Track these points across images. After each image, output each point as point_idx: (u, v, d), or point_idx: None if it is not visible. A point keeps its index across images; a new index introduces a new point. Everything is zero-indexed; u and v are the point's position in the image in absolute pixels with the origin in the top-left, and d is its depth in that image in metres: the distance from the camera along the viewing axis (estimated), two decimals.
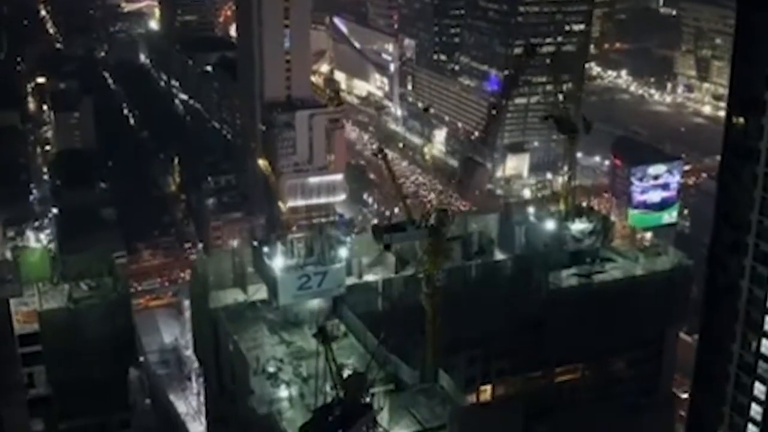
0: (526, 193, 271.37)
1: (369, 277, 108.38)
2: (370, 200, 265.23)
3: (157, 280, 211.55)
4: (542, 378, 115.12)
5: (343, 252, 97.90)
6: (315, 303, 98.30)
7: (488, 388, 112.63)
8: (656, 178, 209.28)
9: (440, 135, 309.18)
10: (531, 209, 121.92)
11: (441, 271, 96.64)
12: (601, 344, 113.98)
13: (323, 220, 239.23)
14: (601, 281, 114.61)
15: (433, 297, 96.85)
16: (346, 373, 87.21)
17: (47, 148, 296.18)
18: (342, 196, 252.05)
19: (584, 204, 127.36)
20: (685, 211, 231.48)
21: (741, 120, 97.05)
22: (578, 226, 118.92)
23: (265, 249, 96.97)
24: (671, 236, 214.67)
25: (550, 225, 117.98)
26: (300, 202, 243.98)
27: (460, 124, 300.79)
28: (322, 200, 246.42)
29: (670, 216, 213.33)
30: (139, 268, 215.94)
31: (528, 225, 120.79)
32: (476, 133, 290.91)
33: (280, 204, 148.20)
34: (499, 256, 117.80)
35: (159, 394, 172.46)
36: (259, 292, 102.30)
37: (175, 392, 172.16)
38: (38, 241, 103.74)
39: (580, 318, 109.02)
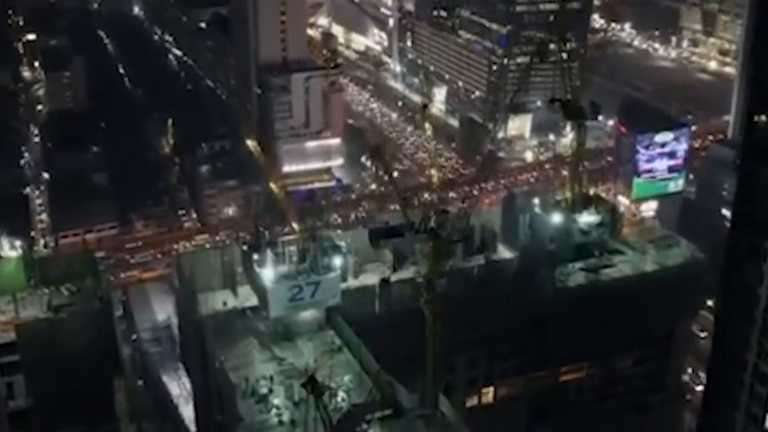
0: (529, 156, 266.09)
1: (366, 276, 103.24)
2: (369, 163, 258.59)
3: (150, 252, 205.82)
4: (546, 378, 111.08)
5: (337, 260, 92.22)
6: (308, 313, 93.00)
7: (490, 389, 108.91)
8: (663, 146, 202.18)
9: (440, 93, 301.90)
10: (536, 200, 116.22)
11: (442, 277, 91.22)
12: (607, 343, 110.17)
13: (319, 185, 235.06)
14: (609, 279, 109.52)
15: (434, 303, 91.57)
16: (340, 395, 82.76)
17: (39, 107, 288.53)
18: (339, 161, 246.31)
19: (591, 192, 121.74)
20: (690, 176, 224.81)
21: (762, 118, 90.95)
22: (586, 218, 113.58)
23: (255, 256, 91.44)
24: (677, 204, 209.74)
25: (556, 218, 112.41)
26: (296, 167, 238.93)
27: (460, 83, 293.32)
28: (319, 165, 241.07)
29: (676, 185, 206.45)
30: (132, 239, 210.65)
31: (532, 215, 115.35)
32: (476, 93, 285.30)
33: (272, 185, 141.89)
34: (503, 250, 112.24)
35: (151, 375, 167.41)
36: (250, 295, 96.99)
37: (168, 373, 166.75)
38: (13, 248, 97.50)
39: (587, 317, 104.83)
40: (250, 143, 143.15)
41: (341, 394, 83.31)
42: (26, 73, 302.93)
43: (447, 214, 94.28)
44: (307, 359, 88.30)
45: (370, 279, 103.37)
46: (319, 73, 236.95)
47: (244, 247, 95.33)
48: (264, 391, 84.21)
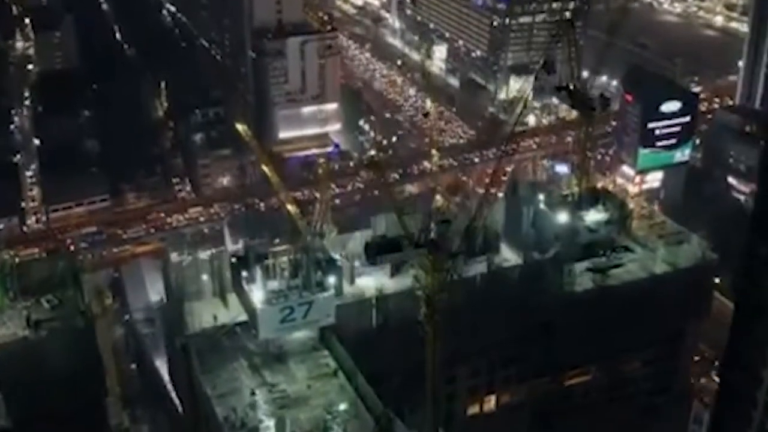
0: (531, 119, 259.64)
1: (363, 281, 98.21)
2: (367, 127, 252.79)
3: (142, 227, 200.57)
4: (551, 383, 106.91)
5: (331, 279, 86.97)
6: (301, 332, 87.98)
7: (492, 397, 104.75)
8: (670, 115, 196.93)
9: (440, 51, 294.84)
10: (541, 196, 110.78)
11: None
12: (614, 346, 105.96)
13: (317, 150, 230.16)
14: (618, 283, 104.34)
15: (434, 318, 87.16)
16: (335, 428, 78.29)
17: (29, 67, 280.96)
18: (337, 126, 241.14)
19: (599, 185, 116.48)
20: (697, 141, 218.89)
21: None
22: (593, 216, 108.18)
23: (244, 273, 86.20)
24: (682, 174, 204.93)
25: (562, 216, 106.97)
26: (293, 133, 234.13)
27: (461, 42, 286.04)
28: (316, 131, 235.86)
29: (682, 154, 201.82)
30: (124, 212, 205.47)
31: (537, 212, 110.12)
32: (477, 52, 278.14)
33: (265, 168, 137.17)
34: (505, 249, 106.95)
35: (144, 358, 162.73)
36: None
37: (162, 356, 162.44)
38: None
39: (594, 321, 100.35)
40: (240, 127, 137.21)
41: (336, 428, 78.76)
42: (17, 34, 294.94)
43: (449, 223, 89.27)
44: (299, 385, 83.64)
45: (367, 284, 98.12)
46: (315, 37, 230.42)
47: (233, 260, 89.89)
48: (254, 423, 79.39)
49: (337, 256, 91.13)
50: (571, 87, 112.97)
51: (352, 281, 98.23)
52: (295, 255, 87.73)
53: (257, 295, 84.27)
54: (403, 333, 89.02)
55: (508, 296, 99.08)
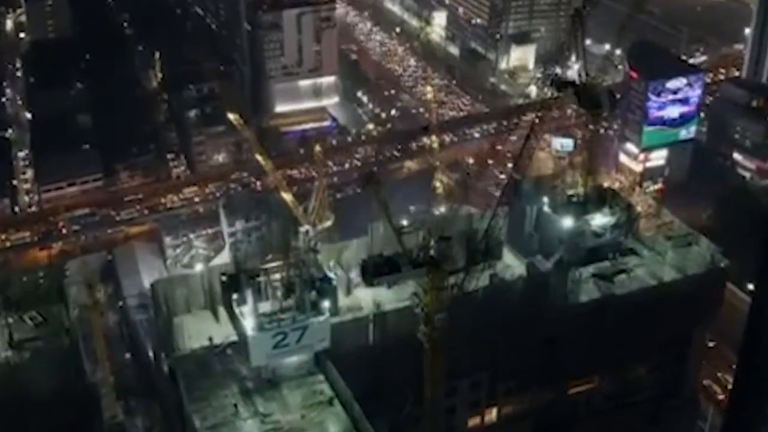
0: (533, 90, 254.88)
1: (360, 293, 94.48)
2: (366, 99, 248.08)
3: (136, 208, 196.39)
4: (554, 393, 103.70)
5: (326, 302, 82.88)
6: (295, 357, 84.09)
7: (494, 409, 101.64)
8: (675, 92, 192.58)
9: (440, 18, 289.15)
10: (545, 198, 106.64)
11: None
12: (620, 354, 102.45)
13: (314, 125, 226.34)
14: (623, 293, 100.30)
15: (433, 335, 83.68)
16: None
17: (21, 35, 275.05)
18: (334, 99, 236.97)
19: (605, 184, 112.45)
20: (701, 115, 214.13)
21: None
22: (599, 220, 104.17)
23: (234, 296, 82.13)
24: (687, 152, 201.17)
25: (567, 221, 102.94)
26: (290, 107, 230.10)
27: (461, 9, 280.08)
28: (313, 104, 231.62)
29: (687, 132, 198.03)
30: (118, 192, 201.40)
31: (541, 214, 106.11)
32: (477, 20, 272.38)
33: (259, 158, 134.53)
34: (508, 255, 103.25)
35: (139, 347, 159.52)
36: None
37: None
38: None
39: (599, 331, 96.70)
40: (233, 116, 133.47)
41: None
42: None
43: (449, 239, 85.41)
44: (293, 415, 79.98)
45: (365, 296, 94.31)
46: (312, 9, 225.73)
47: (223, 278, 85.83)
48: None
49: (332, 274, 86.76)
50: (578, 83, 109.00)
51: (348, 293, 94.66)
52: (288, 272, 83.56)
53: (248, 320, 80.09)
54: (402, 349, 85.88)
55: (510, 310, 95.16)
